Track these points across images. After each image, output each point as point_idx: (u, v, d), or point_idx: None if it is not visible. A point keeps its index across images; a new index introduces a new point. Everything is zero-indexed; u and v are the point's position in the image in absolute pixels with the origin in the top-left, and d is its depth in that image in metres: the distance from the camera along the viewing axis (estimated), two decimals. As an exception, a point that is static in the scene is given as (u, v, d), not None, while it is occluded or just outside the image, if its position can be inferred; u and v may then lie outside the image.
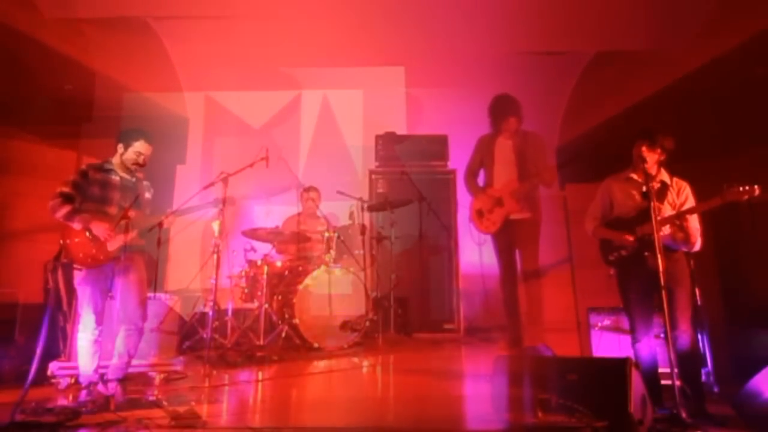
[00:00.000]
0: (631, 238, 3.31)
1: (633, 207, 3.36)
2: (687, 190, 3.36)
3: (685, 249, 3.30)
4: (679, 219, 3.22)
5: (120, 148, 3.56)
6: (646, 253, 3.19)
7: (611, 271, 3.47)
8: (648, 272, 3.14)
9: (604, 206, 3.56)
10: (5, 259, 5.05)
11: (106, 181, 3.52)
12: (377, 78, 6.69)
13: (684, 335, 3.20)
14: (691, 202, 3.33)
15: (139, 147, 3.54)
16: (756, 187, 3.00)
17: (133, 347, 3.50)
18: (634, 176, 3.37)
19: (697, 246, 3.27)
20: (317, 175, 6.33)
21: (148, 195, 3.68)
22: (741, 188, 3.03)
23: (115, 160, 3.58)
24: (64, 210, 3.37)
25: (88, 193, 3.46)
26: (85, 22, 5.50)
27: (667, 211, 3.32)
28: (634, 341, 3.34)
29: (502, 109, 4.95)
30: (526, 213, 4.82)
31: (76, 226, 3.37)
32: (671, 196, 3.36)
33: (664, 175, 3.40)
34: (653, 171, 3.37)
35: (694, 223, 3.26)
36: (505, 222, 4.83)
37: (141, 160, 3.55)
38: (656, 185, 3.35)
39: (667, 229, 3.27)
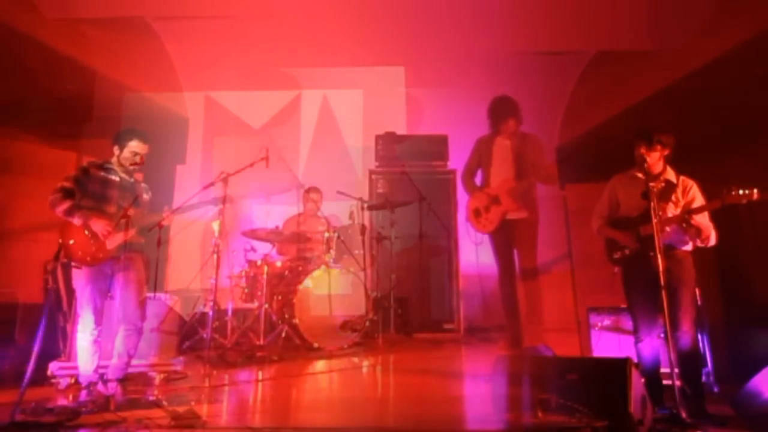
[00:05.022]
0: (634, 244, 3.32)
1: (637, 206, 3.36)
2: (694, 189, 3.35)
3: (701, 245, 3.28)
4: (684, 218, 3.21)
5: (116, 149, 3.55)
6: (651, 253, 3.18)
7: (615, 269, 3.46)
8: (652, 272, 3.13)
9: (610, 204, 3.56)
10: (5, 259, 5.05)
11: (106, 180, 3.52)
12: (377, 78, 6.69)
13: (686, 336, 3.19)
14: (698, 200, 3.31)
15: (135, 147, 3.52)
16: (755, 190, 3.03)
17: (133, 347, 3.50)
18: (639, 175, 3.35)
19: (713, 240, 3.25)
20: (317, 175, 6.33)
21: (146, 196, 3.68)
22: (740, 192, 3.05)
23: (114, 161, 3.58)
24: (65, 205, 3.36)
25: (89, 189, 3.46)
26: (85, 22, 5.49)
27: (671, 210, 3.31)
28: (637, 341, 3.33)
29: (501, 110, 4.96)
30: (524, 212, 4.82)
31: (76, 221, 3.37)
32: (677, 195, 3.35)
33: (670, 174, 3.39)
34: (658, 169, 3.36)
35: (703, 219, 3.23)
36: (503, 221, 4.83)
37: (138, 159, 3.54)
38: (660, 185, 3.35)
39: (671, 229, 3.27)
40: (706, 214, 3.25)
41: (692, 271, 3.30)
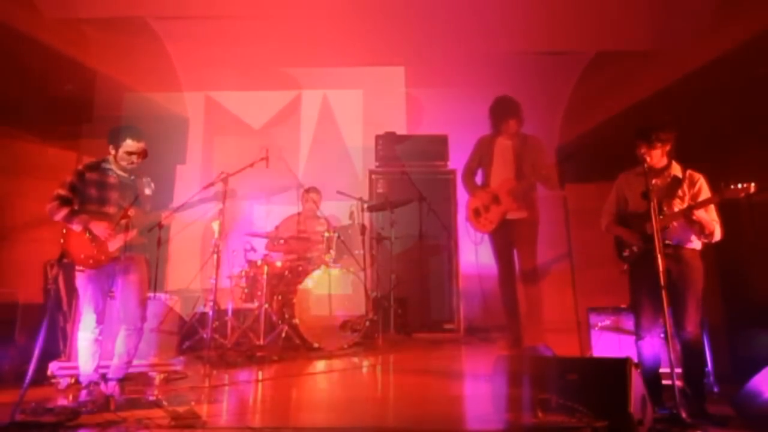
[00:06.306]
0: (639, 242, 3.32)
1: (644, 202, 3.35)
2: (701, 182, 3.34)
3: (705, 240, 3.28)
4: (686, 213, 3.21)
5: (111, 149, 3.51)
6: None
7: (624, 267, 3.47)
8: (657, 271, 3.13)
9: (618, 202, 3.56)
10: (5, 259, 5.04)
11: (103, 182, 3.49)
12: (377, 78, 6.69)
13: (690, 337, 3.20)
14: (705, 193, 3.30)
15: (129, 146, 3.47)
16: (752, 184, 3.04)
17: (133, 347, 3.49)
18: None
19: (717, 235, 3.25)
20: (317, 175, 6.33)
21: (148, 191, 3.64)
22: (738, 186, 3.06)
23: (111, 159, 3.53)
24: (63, 212, 3.36)
25: (86, 194, 3.43)
26: (85, 22, 5.50)
27: (678, 205, 3.30)
28: (638, 338, 3.34)
29: (502, 110, 4.95)
30: (524, 212, 4.82)
31: (76, 227, 3.36)
32: (683, 189, 3.34)
33: (676, 169, 3.39)
34: (662, 164, 3.37)
35: (706, 214, 3.23)
36: (503, 221, 4.83)
37: (135, 158, 3.49)
38: (666, 180, 3.35)
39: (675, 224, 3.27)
40: (711, 209, 3.26)
41: (700, 271, 3.28)
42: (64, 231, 3.40)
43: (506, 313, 4.92)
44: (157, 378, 4.00)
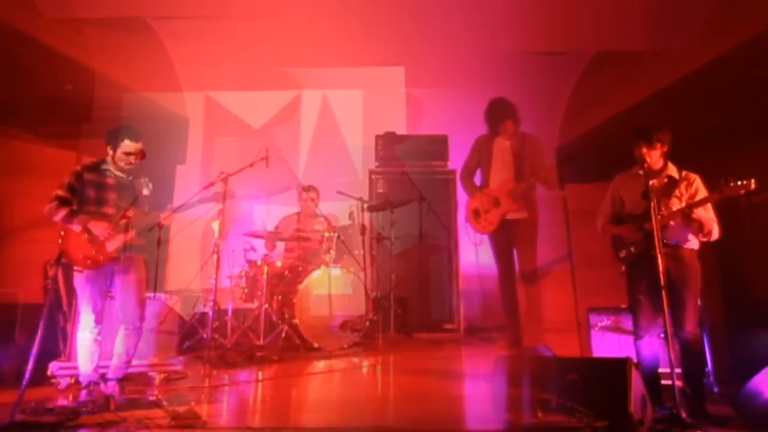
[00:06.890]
0: (636, 234, 3.32)
1: (642, 203, 3.36)
2: (697, 182, 3.36)
3: (704, 239, 3.29)
4: (685, 212, 3.22)
5: (109, 150, 3.50)
6: (652, 252, 3.18)
7: (622, 268, 3.47)
8: (656, 271, 3.13)
9: (614, 203, 3.57)
10: (5, 259, 5.05)
11: (101, 183, 3.49)
12: (377, 78, 6.68)
13: (689, 336, 3.20)
14: (702, 193, 3.31)
15: (126, 147, 3.46)
16: (752, 181, 3.04)
17: (132, 347, 3.49)
18: (641, 173, 3.36)
19: (715, 234, 3.26)
20: (317, 175, 6.31)
21: (146, 191, 3.63)
22: (738, 183, 3.06)
23: (109, 160, 3.53)
24: (62, 213, 3.36)
25: (84, 195, 3.43)
26: (85, 22, 5.50)
27: (676, 205, 3.31)
28: (636, 338, 3.35)
29: (497, 113, 4.95)
30: (524, 213, 4.82)
31: (75, 227, 3.37)
32: (680, 189, 3.35)
33: (672, 170, 3.41)
34: (659, 165, 3.39)
35: (705, 213, 3.24)
36: (502, 222, 4.83)
37: (132, 159, 3.48)
38: (663, 181, 3.36)
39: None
40: (708, 207, 3.27)
41: (698, 271, 3.29)
42: (62, 232, 3.40)
43: (506, 313, 4.92)
44: (157, 378, 4.00)
